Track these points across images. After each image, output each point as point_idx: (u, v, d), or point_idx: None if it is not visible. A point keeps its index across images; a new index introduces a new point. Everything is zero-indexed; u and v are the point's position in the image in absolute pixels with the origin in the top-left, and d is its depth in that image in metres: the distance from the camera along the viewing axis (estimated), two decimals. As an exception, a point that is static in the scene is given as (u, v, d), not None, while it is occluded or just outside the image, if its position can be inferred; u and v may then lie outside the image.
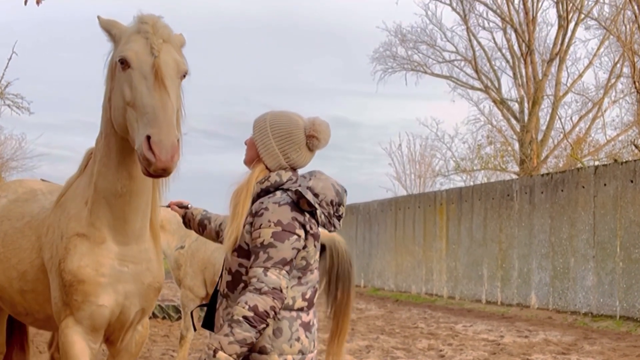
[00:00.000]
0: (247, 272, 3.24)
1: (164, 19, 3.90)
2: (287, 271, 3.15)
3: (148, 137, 3.45)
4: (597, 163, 27.20)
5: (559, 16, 28.95)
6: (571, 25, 28.89)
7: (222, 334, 3.06)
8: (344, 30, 67.27)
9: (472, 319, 16.16)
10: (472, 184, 28.40)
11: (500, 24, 30.57)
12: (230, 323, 3.07)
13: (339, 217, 3.38)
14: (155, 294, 4.49)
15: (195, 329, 5.05)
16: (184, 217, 4.10)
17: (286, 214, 3.19)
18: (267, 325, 3.12)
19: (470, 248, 19.88)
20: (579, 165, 22.71)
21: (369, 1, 57.69)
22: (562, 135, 29.71)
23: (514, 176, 28.99)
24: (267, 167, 3.35)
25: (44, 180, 5.62)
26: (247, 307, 3.06)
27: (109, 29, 3.99)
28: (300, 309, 3.25)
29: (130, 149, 3.91)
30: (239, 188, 3.34)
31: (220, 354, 3.04)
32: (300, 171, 3.45)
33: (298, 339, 3.22)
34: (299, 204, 3.22)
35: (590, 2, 28.74)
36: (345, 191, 3.41)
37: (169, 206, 4.26)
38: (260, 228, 3.18)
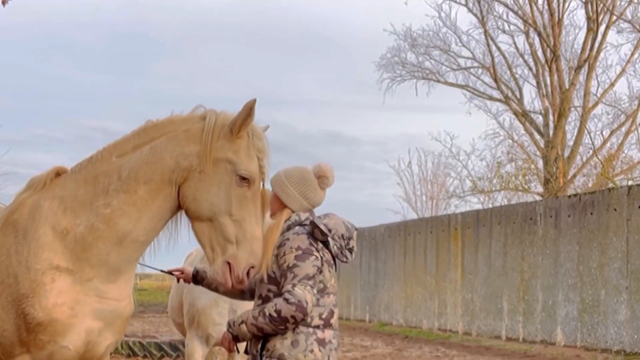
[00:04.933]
0: (274, 296, 4.39)
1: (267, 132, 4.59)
2: (311, 285, 4.33)
3: (228, 263, 4.26)
4: (630, 183, 27.31)
5: (588, 18, 29.12)
6: (602, 29, 29.08)
7: (252, 314, 4.36)
8: (344, 35, 67.61)
9: (490, 357, 16.18)
10: (490, 206, 28.49)
11: (522, 27, 30.76)
12: (261, 311, 4.32)
13: (350, 250, 4.59)
14: (128, 322, 4.74)
15: None
16: (194, 276, 4.95)
17: (304, 241, 4.44)
18: (286, 328, 4.32)
19: (488, 278, 19.92)
20: (611, 185, 22.82)
21: (373, 1, 58.00)
22: (591, 152, 29.81)
23: (538, 198, 29.06)
24: (292, 211, 4.56)
25: None
26: (274, 308, 4.29)
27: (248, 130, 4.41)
28: (317, 327, 4.42)
29: (174, 209, 4.43)
30: (271, 226, 4.51)
31: (243, 326, 4.37)
32: (317, 212, 4.67)
33: (312, 351, 4.38)
34: (314, 233, 4.46)
35: (623, 3, 28.96)
36: (355, 228, 4.65)
37: (170, 273, 5.02)
38: (284, 255, 4.39)
